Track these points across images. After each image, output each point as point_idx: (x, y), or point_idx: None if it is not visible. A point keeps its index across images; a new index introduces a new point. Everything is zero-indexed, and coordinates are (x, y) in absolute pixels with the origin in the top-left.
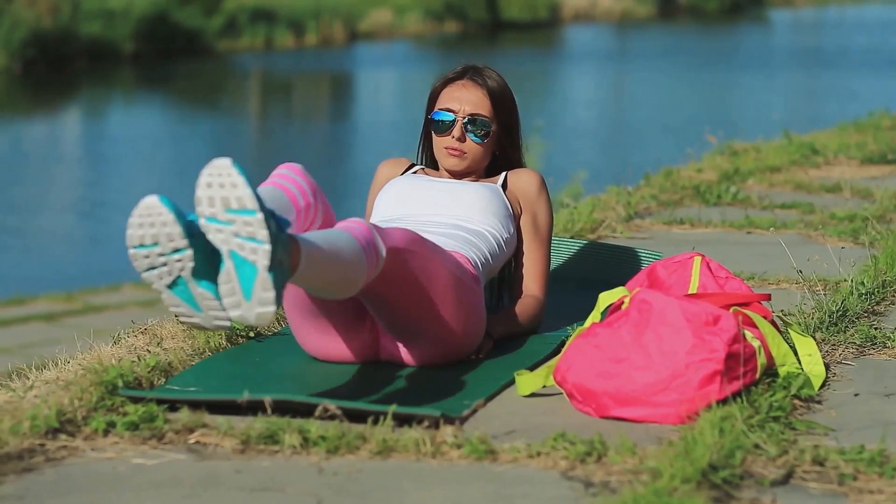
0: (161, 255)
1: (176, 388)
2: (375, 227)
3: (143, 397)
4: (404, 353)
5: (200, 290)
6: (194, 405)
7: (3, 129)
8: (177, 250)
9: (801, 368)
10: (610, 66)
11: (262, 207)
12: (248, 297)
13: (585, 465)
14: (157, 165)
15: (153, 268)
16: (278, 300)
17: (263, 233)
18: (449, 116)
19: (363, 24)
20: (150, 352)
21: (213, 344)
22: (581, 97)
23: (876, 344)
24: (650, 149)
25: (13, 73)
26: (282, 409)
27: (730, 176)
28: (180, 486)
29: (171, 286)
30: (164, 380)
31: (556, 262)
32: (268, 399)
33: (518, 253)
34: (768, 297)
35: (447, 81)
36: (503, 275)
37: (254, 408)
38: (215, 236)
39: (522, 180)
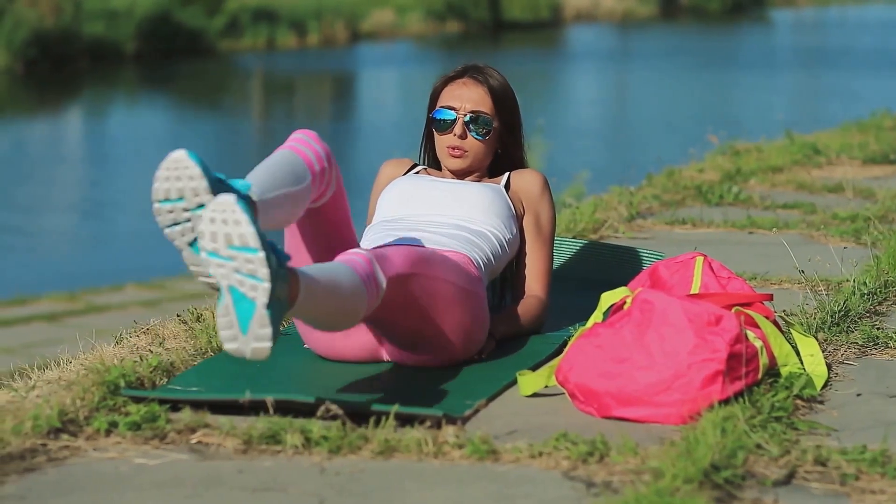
0: (185, 209)
1: (178, 388)
2: (376, 255)
3: (146, 397)
4: (407, 357)
5: None
6: (196, 405)
7: (5, 129)
8: (201, 206)
9: (804, 368)
10: (612, 66)
11: (264, 245)
12: (244, 332)
13: (587, 465)
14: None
15: (176, 223)
16: (274, 336)
17: (264, 271)
18: (450, 115)
19: (365, 24)
20: (152, 352)
21: (214, 344)
22: (583, 97)
23: (878, 344)
24: (652, 149)
25: (15, 72)
26: (284, 409)
27: (732, 176)
28: (182, 486)
29: (192, 243)
30: (166, 380)
31: (558, 262)
32: (270, 399)
33: (521, 253)
34: (770, 298)
35: (448, 80)
36: (506, 275)
37: (256, 408)
38: (216, 271)
39: (525, 180)
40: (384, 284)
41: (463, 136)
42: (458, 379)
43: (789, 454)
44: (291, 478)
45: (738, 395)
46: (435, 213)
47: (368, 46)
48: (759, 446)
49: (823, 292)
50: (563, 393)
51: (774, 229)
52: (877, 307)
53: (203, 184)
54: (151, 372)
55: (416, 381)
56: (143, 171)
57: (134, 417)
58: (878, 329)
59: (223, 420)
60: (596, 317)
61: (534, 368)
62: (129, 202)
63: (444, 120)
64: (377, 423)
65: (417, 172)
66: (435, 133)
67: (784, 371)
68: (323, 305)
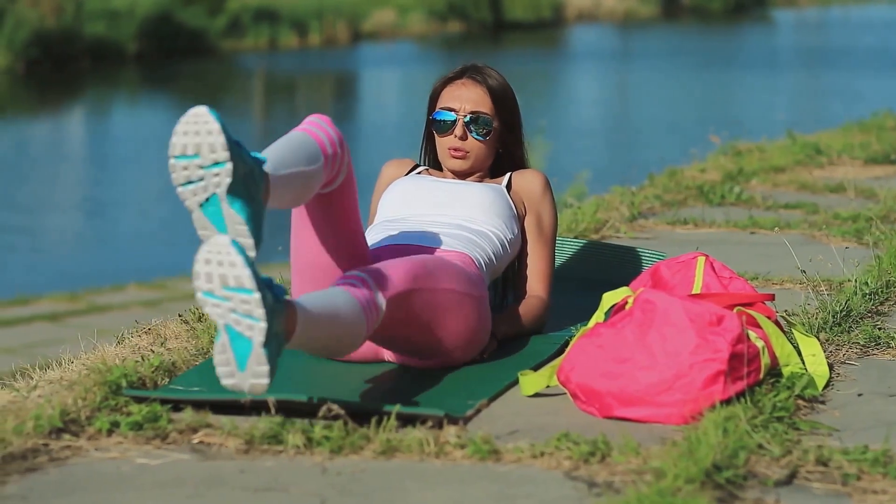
0: (200, 166)
1: (179, 387)
2: (375, 274)
3: (147, 397)
4: (409, 359)
5: (231, 211)
6: (198, 405)
7: (6, 128)
8: (217, 163)
9: (805, 368)
10: (614, 66)
11: (259, 285)
12: (242, 369)
13: (589, 465)
14: (161, 165)
15: (189, 182)
16: (272, 372)
17: (260, 311)
18: (450, 116)
19: (367, 24)
20: (153, 352)
21: None
22: (585, 97)
23: (880, 344)
24: (654, 149)
25: (17, 72)
26: (285, 409)
27: (734, 176)
28: (184, 485)
29: (203, 204)
30: (167, 380)
31: (559, 262)
32: (271, 399)
33: (522, 253)
34: (772, 298)
35: (447, 81)
36: (507, 274)
37: (257, 408)
38: (212, 310)
39: (527, 181)
40: (384, 307)
41: (463, 137)
42: (460, 379)
43: (791, 454)
44: (293, 478)
45: (740, 395)
46: (436, 213)
47: (370, 46)
48: (760, 446)
49: (825, 292)
50: (565, 393)
51: (776, 229)
52: (878, 307)
53: (220, 140)
54: (153, 372)
55: (418, 382)
56: (145, 171)
57: (136, 417)
58: (879, 329)
59: (225, 420)
60: (597, 317)
61: (535, 368)
62: (131, 202)
63: (444, 121)
64: (379, 423)
65: (419, 173)
66: (435, 135)
67: (786, 371)
68: (321, 336)
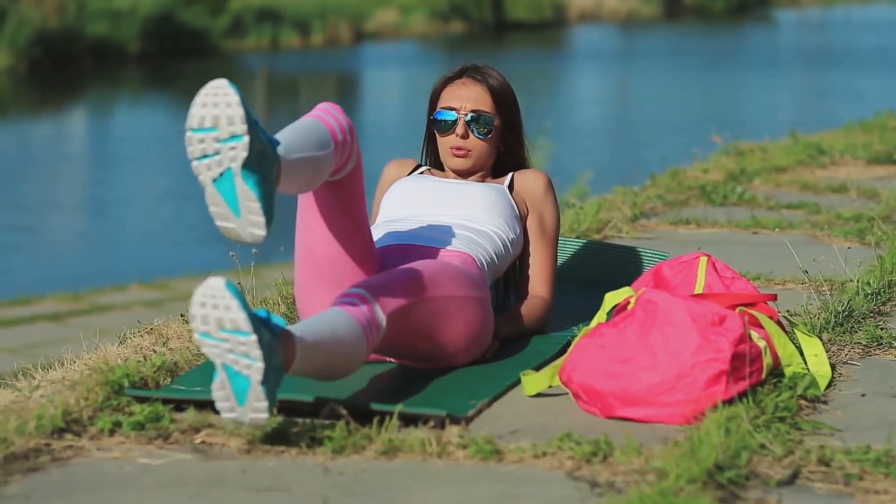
0: (216, 140)
1: (182, 387)
2: (374, 289)
3: (149, 397)
4: (411, 362)
5: (245, 187)
6: (200, 405)
7: (8, 128)
8: (234, 136)
9: (807, 369)
10: (616, 66)
11: (256, 326)
12: (242, 404)
13: (591, 465)
14: (163, 165)
15: (205, 156)
16: (271, 407)
17: (257, 353)
18: (451, 115)
19: (369, 24)
20: (155, 352)
21: None
22: (587, 97)
23: (882, 344)
24: (656, 149)
25: (19, 72)
26: (287, 409)
27: (736, 176)
28: (186, 485)
29: (216, 180)
30: (169, 380)
31: (561, 262)
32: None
33: (525, 253)
34: (774, 298)
35: (447, 81)
36: (510, 274)
37: None
38: (209, 350)
39: (529, 181)
40: (384, 324)
41: (465, 136)
42: (462, 379)
43: (793, 454)
44: (295, 478)
45: (742, 395)
46: (438, 213)
47: (372, 46)
48: (762, 446)
49: (827, 292)
50: (567, 393)
51: (778, 229)
52: (881, 307)
53: (240, 112)
54: (155, 372)
55: (420, 381)
56: (147, 171)
57: (138, 417)
58: (881, 329)
59: (227, 420)
60: (599, 317)
61: (537, 368)
62: (133, 202)
63: (445, 121)
64: (381, 423)
65: (421, 173)
66: (437, 134)
67: (788, 371)
68: (321, 363)
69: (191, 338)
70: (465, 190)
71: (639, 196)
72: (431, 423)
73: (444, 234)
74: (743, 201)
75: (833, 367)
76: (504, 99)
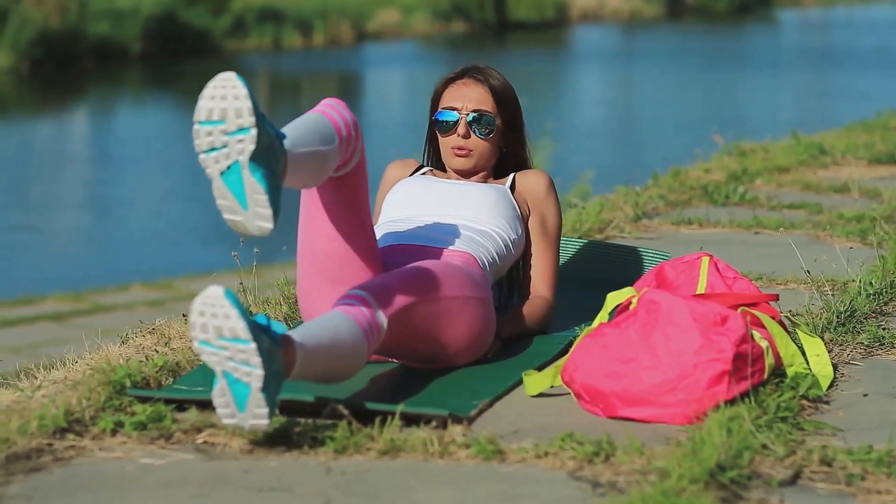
0: (224, 132)
1: (184, 387)
2: (375, 291)
3: (151, 397)
4: (413, 362)
5: (252, 179)
6: (202, 405)
7: (10, 128)
8: (242, 129)
9: (809, 369)
10: (618, 66)
11: (255, 334)
12: (242, 410)
13: (593, 465)
14: (165, 165)
15: (213, 149)
16: (271, 413)
17: (257, 360)
18: (453, 115)
19: (371, 24)
20: (157, 351)
21: None
22: (589, 97)
23: (884, 344)
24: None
25: (21, 72)
26: (290, 408)
27: (738, 176)
28: (188, 485)
29: (224, 172)
30: (171, 379)
31: (563, 262)
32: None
33: (527, 254)
34: (776, 298)
35: (448, 82)
36: (513, 274)
37: None
38: (209, 358)
39: (530, 181)
40: (385, 325)
41: (466, 136)
42: (464, 379)
43: (795, 454)
44: (297, 478)
45: (744, 395)
46: (440, 214)
47: (374, 46)
48: (764, 446)
49: (829, 292)
50: (569, 393)
51: (780, 229)
52: (883, 307)
53: (247, 105)
54: (157, 372)
55: (422, 381)
56: (149, 171)
57: (140, 417)
58: (884, 329)
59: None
60: (602, 317)
61: (539, 368)
62: (135, 202)
63: (446, 121)
64: (383, 423)
65: (423, 173)
66: (438, 135)
67: (790, 371)
68: (321, 367)
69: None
70: (467, 190)
71: (641, 196)
72: (433, 423)
73: (445, 234)
74: (745, 201)
75: (835, 367)
76: (505, 99)
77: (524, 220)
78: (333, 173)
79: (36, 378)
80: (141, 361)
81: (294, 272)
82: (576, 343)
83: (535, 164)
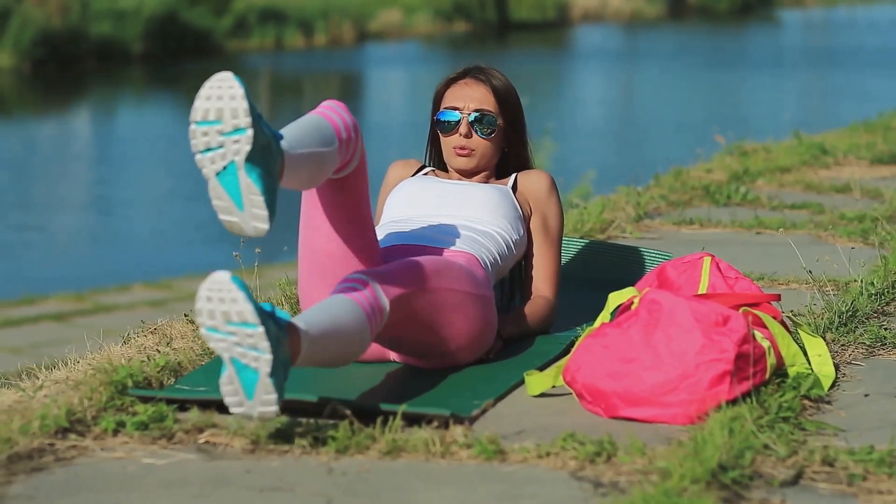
0: (220, 132)
1: (185, 387)
2: (378, 276)
3: (153, 397)
4: (415, 360)
5: (248, 180)
6: (204, 405)
7: (12, 128)
8: (238, 129)
9: (811, 369)
10: (619, 66)
11: (263, 318)
12: (250, 398)
13: (595, 465)
14: (167, 165)
15: (209, 149)
16: (280, 399)
17: (265, 344)
18: (454, 115)
19: (372, 24)
20: (159, 351)
21: None
22: (591, 97)
23: (886, 344)
24: (660, 149)
25: (23, 72)
26: (291, 408)
27: (739, 176)
28: (190, 485)
29: (220, 173)
30: (173, 379)
31: (565, 262)
32: None
33: (529, 254)
34: (778, 298)
35: (450, 82)
36: (514, 275)
37: None
38: (217, 345)
39: (532, 181)
40: (387, 308)
41: (468, 136)
42: (466, 379)
43: (797, 454)
44: (299, 478)
45: (746, 395)
46: (442, 214)
47: (376, 46)
48: (766, 446)
49: (831, 293)
50: (571, 393)
51: (782, 229)
52: (884, 307)
53: (244, 105)
54: (159, 372)
55: (424, 382)
56: (150, 171)
57: (141, 417)
58: (885, 329)
59: (231, 420)
60: (603, 317)
61: (541, 368)
62: (137, 202)
63: (448, 121)
64: (385, 423)
65: (425, 174)
66: (440, 135)
67: (792, 371)
68: (326, 352)
69: (195, 338)
70: (469, 190)
71: (642, 196)
72: (435, 423)
73: (447, 234)
74: (746, 201)
75: (837, 367)
76: (507, 99)
77: (526, 220)
78: (333, 175)
79: (38, 378)
80: (143, 361)
81: (295, 272)
82: (577, 343)
83: (536, 164)
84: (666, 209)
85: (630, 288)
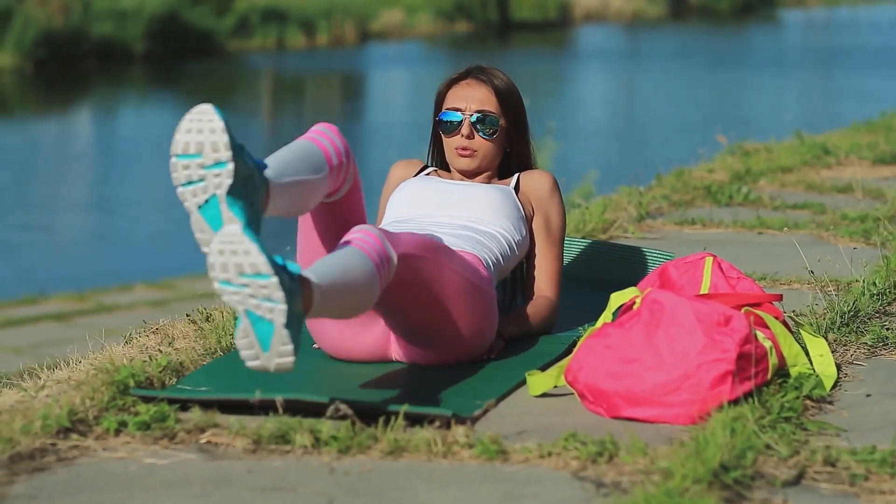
0: (201, 166)
1: (187, 387)
2: (385, 233)
3: (155, 397)
4: (416, 354)
5: (230, 213)
6: (206, 405)
7: (14, 128)
8: (218, 163)
9: (813, 369)
10: (621, 67)
11: (276, 269)
12: (266, 350)
13: (597, 465)
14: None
15: (190, 182)
16: (296, 350)
17: (279, 294)
18: (456, 116)
19: (374, 24)
20: (161, 351)
21: (224, 344)
22: (592, 97)
23: (888, 344)
24: (662, 149)
25: (24, 72)
26: (293, 408)
27: (741, 176)
28: (191, 485)
29: (202, 206)
30: (175, 379)
31: (567, 262)
32: (279, 399)
33: (531, 254)
34: (780, 298)
35: (452, 82)
36: (517, 275)
37: (265, 407)
38: (230, 298)
39: (535, 181)
40: (395, 260)
41: (470, 136)
42: (468, 379)
43: (799, 454)
44: (301, 478)
45: (748, 395)
46: (444, 214)
47: (378, 46)
48: (768, 447)
49: (833, 293)
50: (573, 393)
51: (784, 229)
52: (886, 307)
53: (224, 139)
54: (161, 372)
55: (426, 381)
56: (152, 171)
57: (143, 417)
58: (887, 329)
59: (232, 420)
60: (605, 317)
61: (543, 368)
62: (139, 202)
63: (450, 122)
64: (386, 422)
65: (428, 174)
66: (442, 135)
67: (793, 371)
68: (337, 304)
69: (196, 338)
70: (471, 191)
71: (644, 196)
72: (437, 423)
73: (449, 235)
74: (748, 201)
75: (839, 367)
76: (509, 99)
77: (528, 220)
78: (325, 199)
79: (39, 378)
80: (144, 361)
81: None
82: (579, 343)
83: (538, 165)
84: (668, 209)
85: (632, 288)
